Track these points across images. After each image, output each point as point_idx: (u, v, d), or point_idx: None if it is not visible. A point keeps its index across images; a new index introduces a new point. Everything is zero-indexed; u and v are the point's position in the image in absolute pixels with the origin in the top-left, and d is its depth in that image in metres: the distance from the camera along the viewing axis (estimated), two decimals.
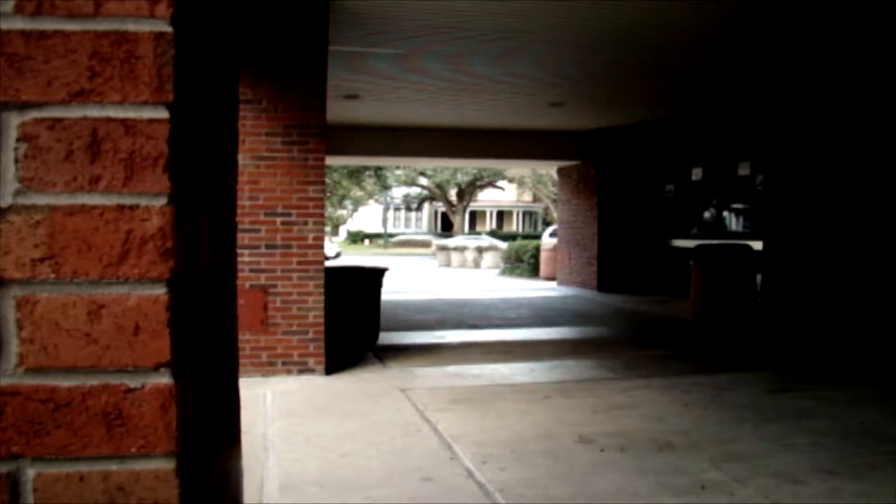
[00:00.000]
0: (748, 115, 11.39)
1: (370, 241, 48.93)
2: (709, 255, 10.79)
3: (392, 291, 12.29)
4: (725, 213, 13.71)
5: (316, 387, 6.21)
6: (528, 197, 49.72)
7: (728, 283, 10.49)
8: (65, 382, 0.66)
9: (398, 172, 39.60)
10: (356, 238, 50.66)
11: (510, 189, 46.89)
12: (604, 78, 9.51)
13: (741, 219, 13.40)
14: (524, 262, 20.50)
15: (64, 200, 0.66)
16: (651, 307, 12.38)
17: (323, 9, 6.43)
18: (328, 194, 31.12)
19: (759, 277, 10.80)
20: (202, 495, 0.82)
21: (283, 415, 5.32)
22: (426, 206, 52.70)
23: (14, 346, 0.66)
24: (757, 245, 10.94)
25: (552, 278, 17.18)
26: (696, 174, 13.62)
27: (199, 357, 0.83)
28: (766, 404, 5.70)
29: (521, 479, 4.02)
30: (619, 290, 14.22)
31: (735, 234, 13.25)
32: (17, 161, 0.65)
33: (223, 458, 1.06)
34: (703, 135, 12.87)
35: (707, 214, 14.00)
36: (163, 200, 0.67)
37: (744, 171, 12.35)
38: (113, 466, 0.67)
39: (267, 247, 6.47)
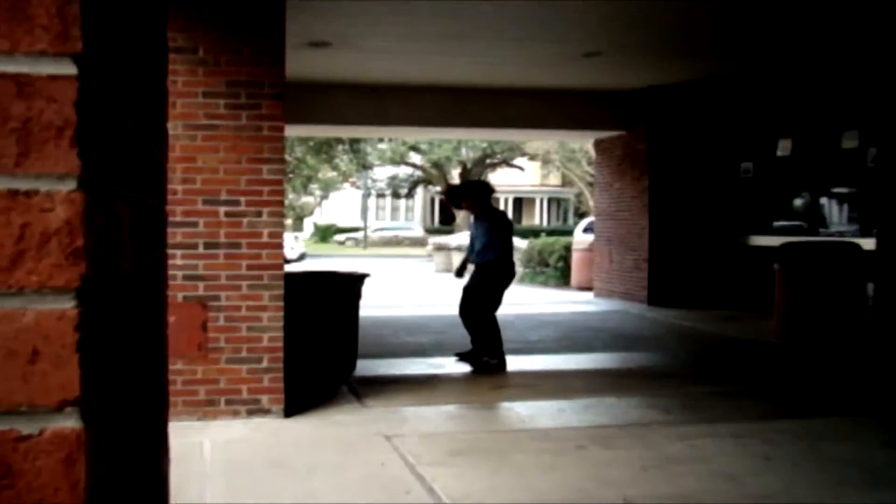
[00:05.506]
0: (857, 70, 11.38)
1: (346, 239, 49.01)
2: (800, 256, 10.79)
3: (375, 305, 12.28)
4: (824, 201, 13.74)
5: (271, 433, 6.21)
6: (555, 180, 49.69)
7: (827, 294, 10.48)
8: None
9: (382, 147, 39.62)
10: (326, 234, 50.69)
11: (532, 169, 46.90)
12: (655, 18, 9.49)
13: (846, 208, 13.42)
14: (550, 267, 20.52)
15: None
16: (720, 327, 12.37)
17: None
18: (289, 176, 31.07)
19: (870, 287, 10.79)
20: None
21: (227, 472, 5.32)
22: (419, 191, 52.74)
23: None
24: (868, 243, 10.94)
25: (587, 288, 17.18)
26: (784, 148, 13.62)
27: (117, 393, 0.83)
28: (877, 461, 5.70)
29: None
30: (676, 303, 14.21)
31: (838, 229, 13.27)
32: None
33: None
34: (794, 95, 12.86)
35: (799, 202, 14.03)
36: (71, 184, 0.67)
37: (850, 143, 12.34)
38: None
39: (207, 246, 6.47)
